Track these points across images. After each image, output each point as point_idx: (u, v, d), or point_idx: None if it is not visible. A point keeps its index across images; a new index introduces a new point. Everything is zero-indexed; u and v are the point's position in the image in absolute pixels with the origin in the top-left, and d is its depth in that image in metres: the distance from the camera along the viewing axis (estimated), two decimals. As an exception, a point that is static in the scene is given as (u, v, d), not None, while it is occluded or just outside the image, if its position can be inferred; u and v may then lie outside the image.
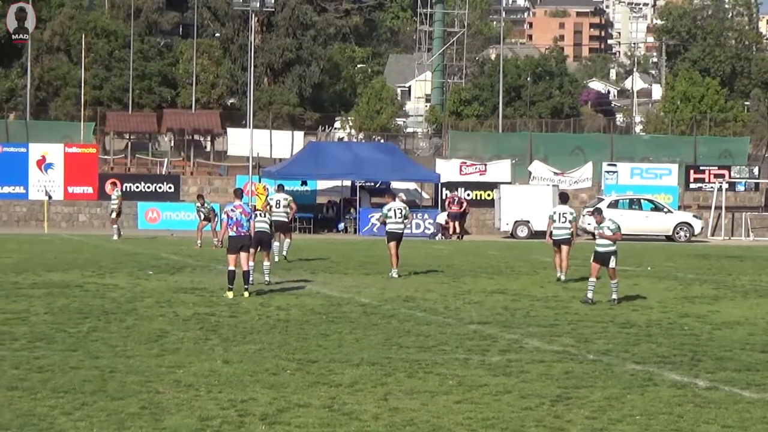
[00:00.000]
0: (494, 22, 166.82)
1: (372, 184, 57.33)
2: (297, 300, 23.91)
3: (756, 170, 63.13)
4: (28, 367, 15.27)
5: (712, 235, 57.86)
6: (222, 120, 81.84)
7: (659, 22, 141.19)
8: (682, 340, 18.94)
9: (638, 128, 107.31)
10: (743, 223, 58.46)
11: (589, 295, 24.20)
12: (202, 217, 42.98)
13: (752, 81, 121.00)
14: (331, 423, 12.33)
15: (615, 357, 17.02)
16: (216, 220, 41.95)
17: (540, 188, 56.95)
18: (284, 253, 33.99)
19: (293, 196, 37.03)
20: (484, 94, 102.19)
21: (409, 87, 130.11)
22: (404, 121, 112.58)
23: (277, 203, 33.62)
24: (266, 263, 27.20)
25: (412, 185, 59.72)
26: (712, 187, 59.83)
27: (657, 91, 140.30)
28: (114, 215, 46.75)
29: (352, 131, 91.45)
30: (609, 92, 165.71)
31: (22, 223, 57.02)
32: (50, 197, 55.68)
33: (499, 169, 60.25)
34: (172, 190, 58.78)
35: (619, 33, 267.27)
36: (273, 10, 69.90)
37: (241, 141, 67.01)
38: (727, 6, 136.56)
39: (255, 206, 29.47)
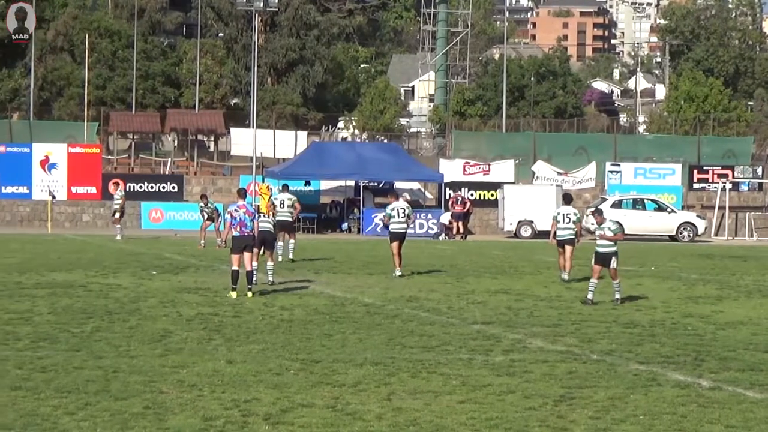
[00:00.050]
0: (498, 22, 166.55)
1: (375, 184, 57.29)
2: (300, 300, 23.91)
3: (759, 170, 63.04)
4: (31, 367, 15.27)
5: (716, 235, 57.77)
6: (225, 120, 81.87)
7: (663, 21, 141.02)
8: (685, 340, 18.93)
9: (642, 128, 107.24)
10: (747, 223, 58.41)
11: (590, 295, 24.16)
12: (206, 217, 43.03)
13: (756, 81, 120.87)
14: (334, 423, 12.33)
15: (618, 357, 17.01)
16: (219, 220, 41.95)
17: (543, 188, 56.88)
18: (290, 256, 34.02)
19: (297, 196, 37.01)
20: (487, 94, 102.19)
21: (413, 87, 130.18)
22: (408, 121, 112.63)
23: (281, 203, 33.58)
24: (270, 263, 27.20)
25: (415, 185, 59.66)
26: (715, 187, 59.76)
27: (660, 91, 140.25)
28: (117, 215, 46.75)
29: (356, 131, 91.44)
30: (612, 92, 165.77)
31: (26, 223, 57.00)
32: (54, 197, 55.69)
33: (502, 169, 60.17)
34: (176, 190, 58.78)
35: (623, 33, 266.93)
36: (276, 9, 69.76)
37: (244, 141, 67.01)
38: (730, 6, 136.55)
39: (258, 207, 29.47)
